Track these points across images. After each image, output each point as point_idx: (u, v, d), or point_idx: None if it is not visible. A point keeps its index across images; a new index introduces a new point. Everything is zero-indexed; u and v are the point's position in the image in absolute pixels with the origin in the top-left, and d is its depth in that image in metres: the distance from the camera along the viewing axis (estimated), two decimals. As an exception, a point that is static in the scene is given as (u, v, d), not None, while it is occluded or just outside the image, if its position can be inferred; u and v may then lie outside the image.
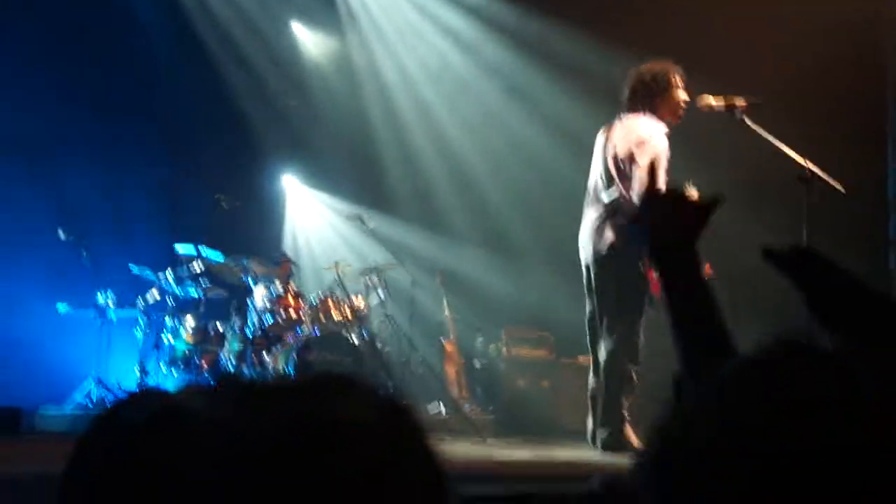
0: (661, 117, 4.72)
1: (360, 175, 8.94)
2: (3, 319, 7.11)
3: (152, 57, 7.86)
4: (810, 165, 4.18)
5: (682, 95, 4.71)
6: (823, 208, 4.19)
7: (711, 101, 4.42)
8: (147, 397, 0.76)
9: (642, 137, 4.62)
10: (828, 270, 1.02)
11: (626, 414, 4.69)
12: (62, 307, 7.12)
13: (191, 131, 8.12)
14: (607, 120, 4.97)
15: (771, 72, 6.11)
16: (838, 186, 4.14)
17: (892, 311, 1.00)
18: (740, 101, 4.32)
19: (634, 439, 4.61)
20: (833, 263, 1.03)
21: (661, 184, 4.47)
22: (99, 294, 7.04)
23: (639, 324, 4.72)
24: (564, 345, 7.62)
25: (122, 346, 7.16)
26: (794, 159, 4.21)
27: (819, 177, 4.15)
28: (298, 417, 0.67)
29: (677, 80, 4.71)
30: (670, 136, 4.74)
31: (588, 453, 4.95)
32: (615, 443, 4.63)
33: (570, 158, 5.20)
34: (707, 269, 5.37)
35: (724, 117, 4.39)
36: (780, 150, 4.23)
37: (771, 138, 4.22)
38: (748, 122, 4.28)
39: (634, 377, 4.75)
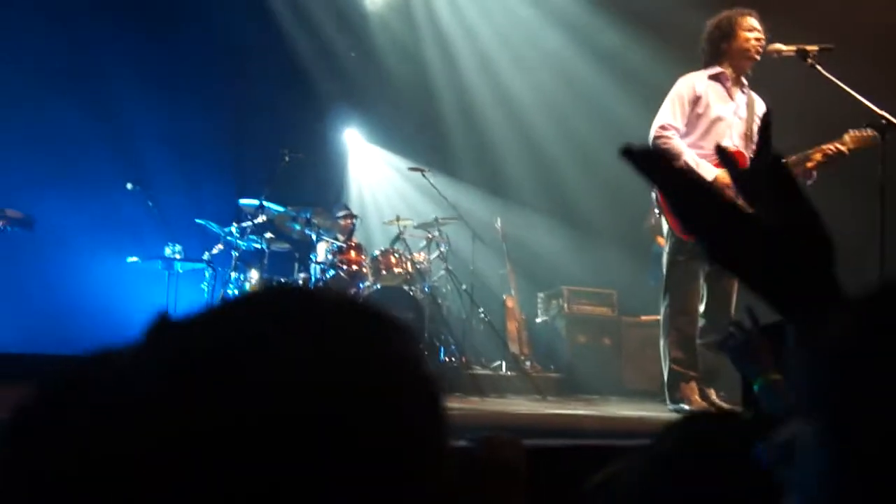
0: (733, 64, 4.67)
1: (421, 130, 8.90)
2: (76, 271, 7.29)
3: (216, 11, 7.89)
4: (885, 114, 4.01)
5: (752, 35, 4.58)
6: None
7: (781, 47, 4.33)
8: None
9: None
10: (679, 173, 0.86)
11: (682, 370, 4.61)
12: (131, 259, 7.27)
13: (255, 85, 8.16)
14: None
15: (850, 22, 5.86)
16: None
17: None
18: (811, 47, 4.18)
19: (694, 397, 4.56)
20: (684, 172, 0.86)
21: (669, 117, 4.61)
22: (166, 247, 7.17)
23: (676, 272, 4.63)
24: (628, 303, 7.54)
25: (189, 298, 7.29)
26: (868, 108, 4.04)
27: (895, 125, 3.98)
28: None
29: (744, 22, 4.59)
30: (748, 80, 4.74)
31: (647, 411, 4.90)
32: (671, 400, 4.63)
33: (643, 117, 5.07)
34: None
35: (797, 65, 4.24)
36: (854, 98, 4.06)
37: (843, 86, 4.04)
38: (819, 68, 4.12)
39: (686, 330, 4.63)
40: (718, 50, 4.67)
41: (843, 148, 4.31)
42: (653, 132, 4.63)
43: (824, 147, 4.36)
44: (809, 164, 4.43)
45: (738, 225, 0.79)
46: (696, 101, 4.64)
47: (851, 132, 4.28)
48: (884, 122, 4.01)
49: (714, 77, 4.69)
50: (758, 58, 4.61)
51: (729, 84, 4.68)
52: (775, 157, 0.83)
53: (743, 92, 4.73)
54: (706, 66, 4.74)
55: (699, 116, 4.65)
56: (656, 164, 0.81)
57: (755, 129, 4.71)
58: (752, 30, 4.59)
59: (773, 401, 1.71)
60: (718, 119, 4.64)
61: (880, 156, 3.99)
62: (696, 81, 4.68)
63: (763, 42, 4.57)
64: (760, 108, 4.78)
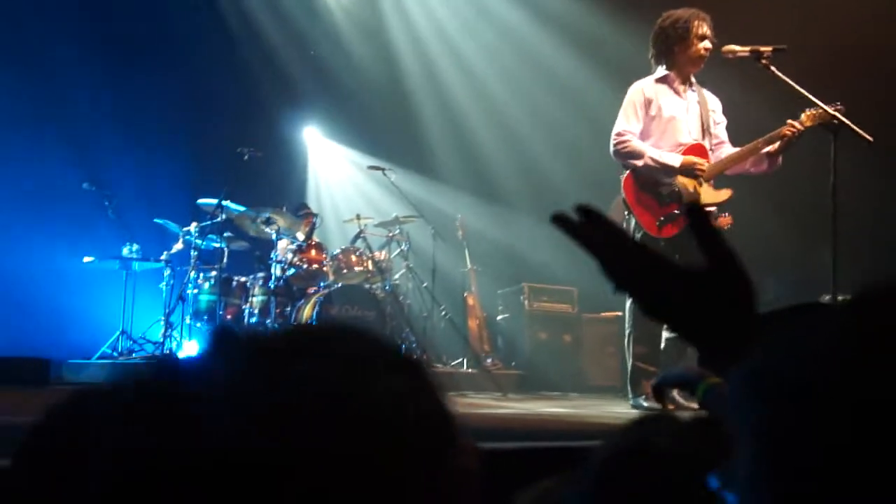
0: (680, 67, 4.70)
1: (381, 127, 8.87)
2: (30, 272, 7.16)
3: (173, 8, 7.80)
4: (837, 114, 4.08)
5: (702, 45, 4.61)
6: (852, 159, 4.11)
7: (736, 48, 4.38)
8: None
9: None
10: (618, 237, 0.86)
11: (644, 366, 4.64)
12: (88, 260, 7.18)
13: (213, 83, 8.07)
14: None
15: (804, 28, 5.94)
16: (866, 136, 4.02)
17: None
18: (765, 48, 4.24)
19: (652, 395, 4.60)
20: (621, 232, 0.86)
21: (623, 123, 4.68)
22: (124, 247, 7.10)
23: None
24: (588, 300, 7.58)
25: (147, 298, 7.23)
26: (821, 108, 4.11)
27: (846, 125, 4.05)
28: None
29: (698, 30, 4.61)
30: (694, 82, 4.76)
31: (609, 408, 4.95)
32: (633, 395, 4.68)
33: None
34: (728, 220, 5.33)
35: (750, 66, 4.30)
36: (807, 98, 4.13)
37: (796, 86, 4.11)
38: (773, 69, 4.19)
39: (652, 326, 4.65)
40: (670, 52, 4.71)
41: (800, 126, 4.35)
42: (612, 141, 4.70)
43: (782, 129, 4.40)
44: (772, 149, 4.48)
45: (664, 274, 0.80)
46: (647, 104, 4.73)
47: (808, 111, 4.31)
48: (835, 122, 4.08)
49: (661, 80, 4.76)
50: (702, 64, 4.68)
51: (676, 84, 4.75)
52: (690, 204, 0.85)
53: (692, 89, 4.79)
54: (655, 60, 4.79)
55: (653, 119, 4.72)
56: (584, 226, 0.81)
57: (710, 122, 4.78)
58: (704, 38, 4.62)
59: (718, 404, 1.72)
60: (672, 119, 4.71)
61: (832, 156, 4.05)
62: (644, 87, 4.76)
63: (710, 49, 4.62)
64: (713, 101, 4.84)
